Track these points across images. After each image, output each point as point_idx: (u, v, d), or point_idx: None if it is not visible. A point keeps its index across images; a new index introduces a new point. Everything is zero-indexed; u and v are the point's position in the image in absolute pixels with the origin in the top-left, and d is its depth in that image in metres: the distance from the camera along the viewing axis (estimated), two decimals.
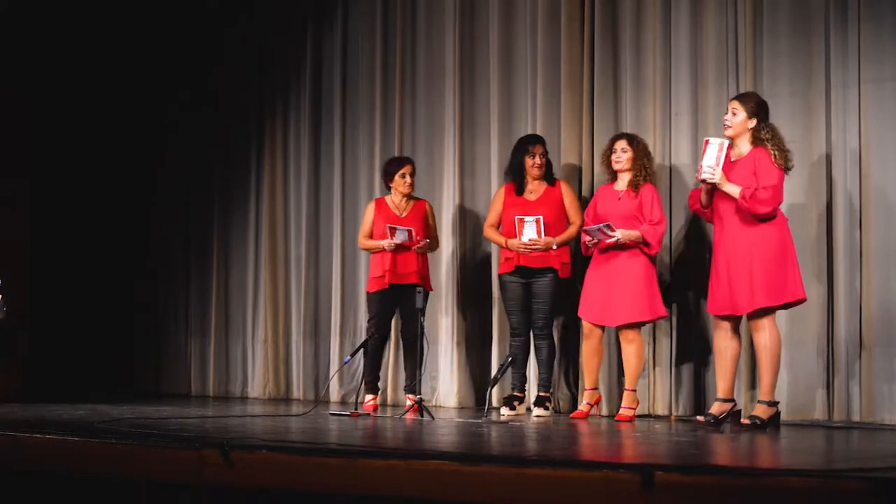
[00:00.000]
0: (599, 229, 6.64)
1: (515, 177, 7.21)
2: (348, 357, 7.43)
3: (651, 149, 7.26)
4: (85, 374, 9.45)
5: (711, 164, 6.09)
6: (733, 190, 6.07)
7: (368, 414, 7.13)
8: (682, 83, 7.19)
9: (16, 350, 9.02)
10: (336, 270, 8.67)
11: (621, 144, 6.86)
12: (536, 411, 7.02)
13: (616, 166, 6.83)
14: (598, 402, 7.01)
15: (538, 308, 7.07)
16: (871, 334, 6.47)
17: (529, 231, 6.92)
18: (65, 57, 9.54)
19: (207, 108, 9.56)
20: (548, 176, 7.20)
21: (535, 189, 7.18)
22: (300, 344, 8.92)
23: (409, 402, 7.22)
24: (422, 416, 6.70)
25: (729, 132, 6.22)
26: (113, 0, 9.64)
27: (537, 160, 7.12)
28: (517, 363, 7.16)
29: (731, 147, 6.17)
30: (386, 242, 7.22)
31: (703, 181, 6.15)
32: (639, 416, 7.13)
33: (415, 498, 4.07)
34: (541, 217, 6.91)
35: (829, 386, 6.61)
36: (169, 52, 9.74)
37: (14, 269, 8.61)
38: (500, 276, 7.26)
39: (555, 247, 6.95)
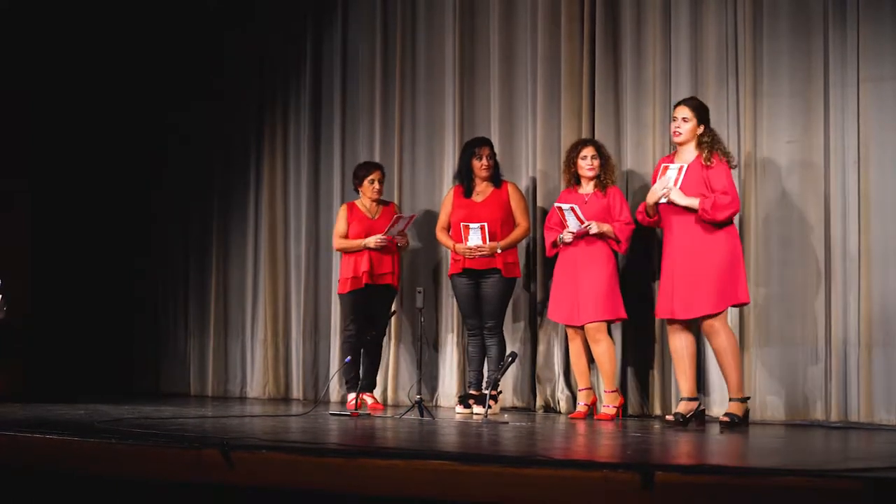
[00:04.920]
0: (571, 208, 6.75)
1: (463, 179, 7.37)
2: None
3: (651, 148, 7.30)
4: (85, 373, 9.45)
5: (669, 185, 6.19)
6: (692, 202, 6.14)
7: (369, 414, 7.14)
8: (682, 83, 7.19)
9: (16, 350, 9.02)
10: (336, 270, 8.66)
11: (590, 151, 6.95)
12: (477, 409, 7.13)
13: (589, 173, 6.92)
14: (594, 403, 7.03)
15: (486, 309, 7.24)
16: (870, 334, 6.47)
17: (474, 237, 7.13)
18: (66, 57, 9.53)
19: (207, 109, 9.56)
20: (495, 178, 7.34)
21: (482, 191, 7.35)
22: (300, 344, 8.92)
23: (369, 401, 7.52)
24: (422, 416, 6.71)
25: (679, 139, 6.34)
26: (113, 1, 9.64)
27: (484, 161, 7.27)
28: (474, 363, 7.34)
29: (681, 167, 6.26)
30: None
31: (663, 202, 6.23)
32: (638, 417, 7.15)
33: (415, 498, 4.07)
34: (485, 224, 7.09)
35: (827, 386, 6.61)
36: (169, 52, 9.73)
37: (14, 269, 8.62)
38: (450, 276, 7.43)
39: (499, 251, 7.12)
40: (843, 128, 6.64)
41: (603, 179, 6.91)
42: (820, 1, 6.77)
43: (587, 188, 6.96)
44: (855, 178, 6.58)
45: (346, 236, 7.63)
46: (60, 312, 9.48)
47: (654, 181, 6.39)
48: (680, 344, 6.29)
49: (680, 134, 6.30)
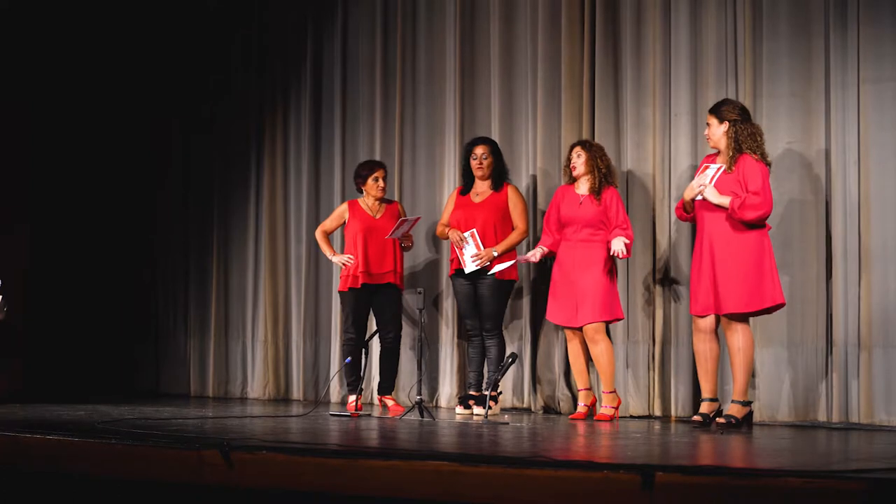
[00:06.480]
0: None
1: (465, 179, 7.41)
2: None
3: (651, 149, 7.29)
4: (85, 374, 9.45)
5: (705, 182, 6.23)
6: (723, 201, 6.16)
7: (369, 414, 7.14)
8: (681, 84, 7.20)
9: (16, 350, 9.02)
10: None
11: (576, 151, 6.99)
12: (477, 410, 7.14)
13: (574, 172, 6.96)
14: (594, 404, 7.03)
15: (483, 311, 7.25)
16: (871, 335, 6.47)
17: (469, 247, 7.11)
18: (66, 57, 9.53)
19: (207, 109, 9.55)
20: (496, 179, 7.33)
21: (481, 192, 7.36)
22: (300, 344, 8.92)
23: (389, 403, 7.51)
24: (422, 416, 6.71)
25: (711, 144, 6.37)
26: (112, 2, 9.64)
27: (478, 161, 7.29)
28: (473, 363, 7.35)
29: (720, 167, 6.28)
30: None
31: (699, 199, 6.24)
32: (638, 417, 7.15)
33: (415, 498, 4.07)
34: (474, 230, 7.11)
35: (828, 386, 6.62)
36: (169, 52, 9.72)
37: (14, 269, 8.62)
38: (450, 277, 7.48)
39: (495, 254, 7.11)
40: (844, 129, 6.64)
41: (594, 180, 6.88)
42: (820, 2, 6.77)
43: (582, 188, 6.96)
44: (855, 179, 6.58)
45: (330, 232, 7.74)
46: (60, 312, 9.48)
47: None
48: (704, 347, 6.32)
49: (709, 139, 6.36)
